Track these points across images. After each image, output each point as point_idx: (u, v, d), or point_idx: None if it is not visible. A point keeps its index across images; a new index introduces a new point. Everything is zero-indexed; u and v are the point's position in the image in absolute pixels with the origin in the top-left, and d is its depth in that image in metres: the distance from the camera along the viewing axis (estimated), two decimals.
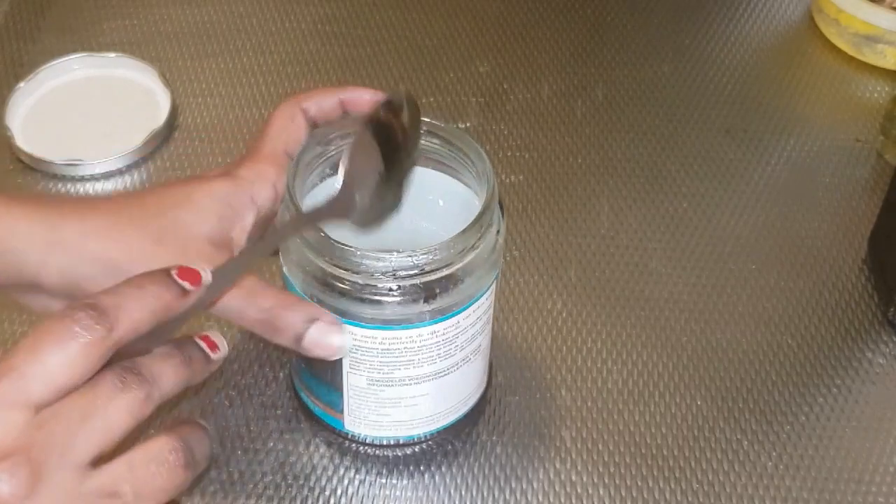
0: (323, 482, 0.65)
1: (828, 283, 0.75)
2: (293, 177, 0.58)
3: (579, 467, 0.66)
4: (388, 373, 0.60)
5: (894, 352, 0.72)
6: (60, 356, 0.42)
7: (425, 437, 0.65)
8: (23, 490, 0.41)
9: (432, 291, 0.56)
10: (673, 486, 0.65)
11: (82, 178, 0.80)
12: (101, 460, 0.44)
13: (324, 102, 0.63)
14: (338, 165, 0.59)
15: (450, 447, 0.66)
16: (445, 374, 0.61)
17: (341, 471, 0.65)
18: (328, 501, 0.64)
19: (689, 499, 0.64)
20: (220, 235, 0.57)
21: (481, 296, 0.59)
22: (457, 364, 0.61)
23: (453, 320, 0.58)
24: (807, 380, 0.70)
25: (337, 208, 0.57)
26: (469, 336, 0.60)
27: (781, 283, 0.75)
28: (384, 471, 0.65)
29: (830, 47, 0.92)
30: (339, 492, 0.64)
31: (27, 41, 0.90)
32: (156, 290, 0.45)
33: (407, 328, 0.57)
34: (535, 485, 0.65)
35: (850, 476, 0.66)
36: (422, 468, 0.65)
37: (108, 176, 0.80)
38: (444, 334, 0.58)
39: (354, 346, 0.58)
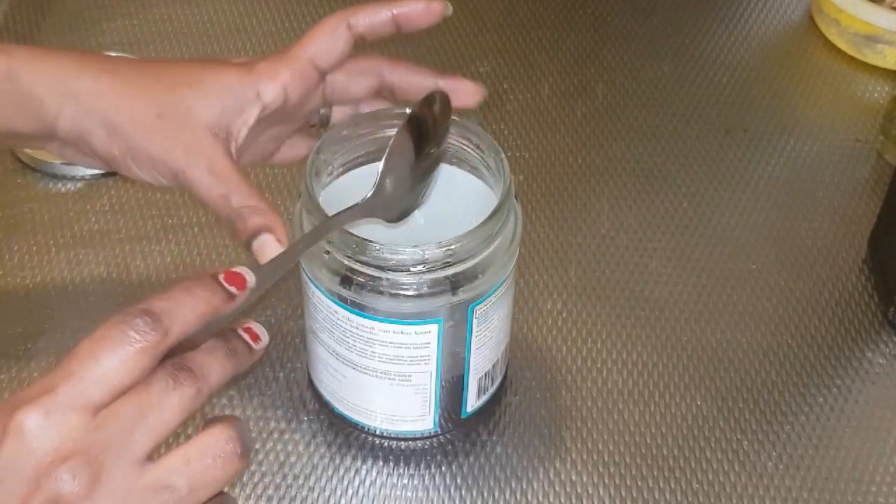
0: (323, 482, 0.65)
1: (828, 283, 0.75)
2: (311, 174, 0.58)
3: (579, 467, 0.66)
4: (404, 364, 0.60)
5: (894, 352, 0.72)
6: (116, 360, 0.44)
7: (437, 431, 0.65)
8: (84, 490, 0.42)
9: (454, 283, 0.57)
10: (673, 486, 0.65)
11: (82, 178, 0.80)
12: (155, 454, 0.45)
13: (374, 17, 0.62)
14: (360, 157, 0.61)
15: (450, 447, 0.66)
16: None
17: (341, 471, 0.65)
18: (328, 501, 0.64)
19: (689, 499, 0.64)
20: (220, 124, 0.59)
21: (499, 286, 0.59)
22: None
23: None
24: (807, 380, 0.70)
25: (372, 207, 0.58)
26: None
27: (781, 283, 0.75)
28: (384, 471, 0.65)
29: (830, 47, 0.92)
30: (338, 492, 0.64)
31: (27, 41, 0.90)
32: (205, 294, 0.47)
33: (425, 323, 0.58)
34: (535, 485, 0.65)
35: (850, 476, 0.66)
36: (422, 468, 0.65)
37: (108, 176, 0.80)
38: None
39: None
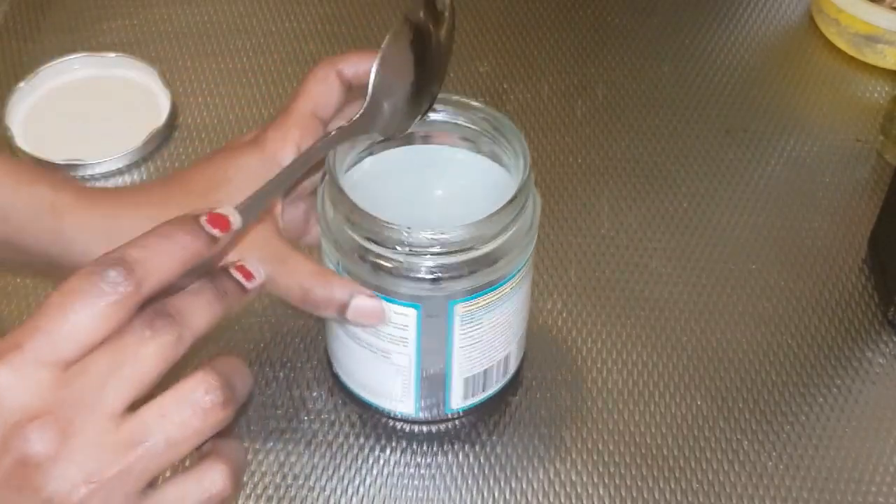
0: (323, 482, 0.65)
1: (828, 283, 0.75)
2: (334, 158, 0.58)
3: (579, 467, 0.66)
4: (383, 340, 0.60)
5: (894, 352, 0.72)
6: (87, 314, 0.42)
7: (461, 412, 0.66)
8: (53, 450, 0.41)
9: (470, 268, 0.57)
10: (673, 486, 0.65)
11: (82, 178, 0.80)
12: (136, 405, 0.43)
13: (360, 65, 0.62)
14: (380, 142, 0.61)
15: (450, 447, 0.66)
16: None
17: (341, 470, 0.65)
18: (328, 501, 0.64)
19: (689, 499, 0.64)
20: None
21: (517, 272, 0.60)
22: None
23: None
24: (807, 380, 0.70)
25: (363, 123, 0.57)
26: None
27: (781, 283, 0.75)
28: (384, 471, 0.65)
29: (830, 47, 0.92)
30: (338, 492, 0.64)
31: (27, 41, 0.90)
32: (185, 238, 0.44)
33: (403, 305, 0.58)
34: (535, 485, 0.65)
35: (850, 476, 0.66)
36: (422, 469, 0.65)
37: (107, 176, 0.80)
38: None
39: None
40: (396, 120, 0.60)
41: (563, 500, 0.64)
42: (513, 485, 0.65)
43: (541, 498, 0.64)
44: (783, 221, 0.79)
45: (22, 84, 0.84)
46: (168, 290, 0.44)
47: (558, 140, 0.84)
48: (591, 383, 0.70)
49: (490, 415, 0.67)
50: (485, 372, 0.64)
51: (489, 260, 0.58)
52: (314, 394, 0.68)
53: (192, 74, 0.88)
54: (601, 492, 0.65)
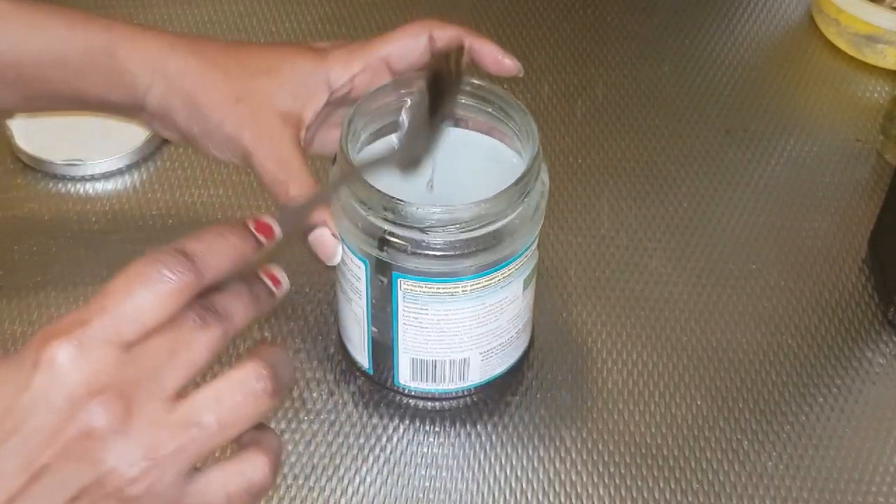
0: (323, 482, 0.65)
1: (828, 283, 0.75)
2: (346, 135, 0.60)
3: (579, 467, 0.66)
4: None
5: (894, 352, 0.72)
6: (151, 298, 0.44)
7: (470, 389, 0.66)
8: (116, 423, 0.42)
9: (476, 247, 0.58)
10: (673, 486, 0.65)
11: (82, 178, 0.80)
12: (184, 392, 0.45)
13: (454, 38, 0.65)
14: (389, 125, 0.63)
15: (449, 447, 0.66)
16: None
17: (341, 470, 0.65)
18: (328, 501, 0.64)
19: (689, 499, 0.64)
20: (292, 111, 0.64)
21: (523, 252, 0.60)
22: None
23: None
24: (807, 380, 0.70)
25: (391, 160, 0.60)
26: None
27: (781, 283, 0.75)
28: (384, 470, 0.65)
29: (830, 47, 0.92)
30: (338, 492, 0.64)
31: None
32: (237, 241, 0.47)
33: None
34: (535, 485, 0.65)
35: (850, 476, 0.66)
36: (422, 470, 0.65)
37: (108, 176, 0.80)
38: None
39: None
40: (417, 152, 0.61)
41: (563, 500, 0.64)
42: (513, 484, 0.65)
43: (541, 498, 0.64)
44: (783, 221, 0.79)
45: None
46: (214, 289, 0.46)
47: (558, 140, 0.84)
48: (591, 383, 0.70)
49: (490, 415, 0.67)
50: (434, 363, 0.64)
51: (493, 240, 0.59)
52: (314, 393, 0.68)
53: None
54: (601, 492, 0.65)
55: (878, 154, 0.84)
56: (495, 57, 0.66)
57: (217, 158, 0.65)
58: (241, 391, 0.45)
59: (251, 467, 0.46)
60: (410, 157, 0.60)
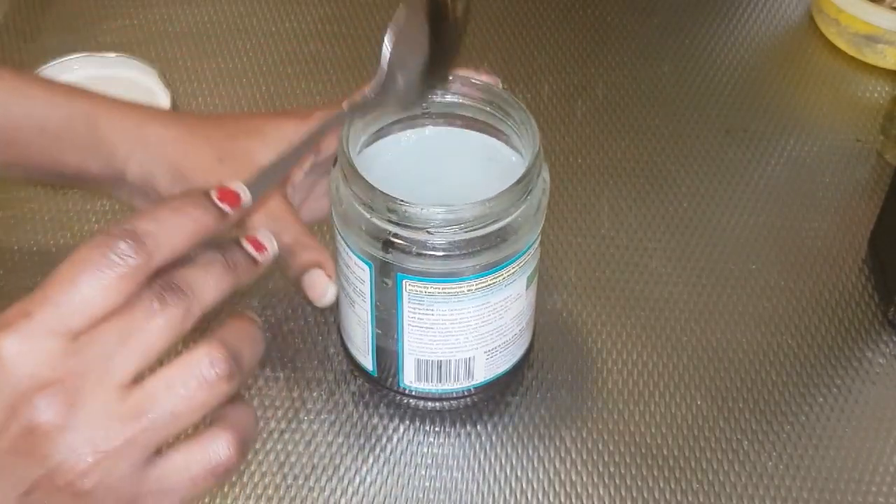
0: (323, 482, 0.65)
1: (828, 283, 0.75)
2: (346, 136, 0.59)
3: (579, 467, 0.66)
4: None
5: (894, 352, 0.72)
6: (96, 286, 0.42)
7: (473, 389, 0.66)
8: (61, 419, 0.41)
9: (479, 246, 0.58)
10: (673, 486, 0.65)
11: None
12: (142, 376, 0.43)
13: None
14: (389, 125, 0.63)
15: (449, 447, 0.66)
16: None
17: (341, 470, 0.65)
18: (328, 501, 0.64)
19: (689, 499, 0.64)
20: None
21: (526, 251, 0.60)
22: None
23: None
24: (807, 380, 0.70)
25: (377, 95, 0.59)
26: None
27: (781, 283, 0.75)
28: (384, 470, 0.65)
29: (830, 47, 0.92)
30: (338, 492, 0.64)
31: (27, 41, 0.90)
32: (195, 213, 0.45)
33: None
34: (535, 485, 0.65)
35: (850, 476, 0.66)
36: (421, 470, 0.65)
37: None
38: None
39: (339, 248, 0.61)
40: (411, 93, 0.60)
41: (563, 500, 0.64)
42: (513, 484, 0.65)
43: (541, 497, 0.64)
44: (783, 221, 0.79)
45: None
46: (179, 262, 0.44)
47: (558, 140, 0.84)
48: (591, 383, 0.70)
49: (490, 415, 0.67)
50: (439, 363, 0.64)
51: (497, 238, 0.59)
52: (314, 394, 0.68)
53: (192, 74, 0.88)
54: (601, 492, 0.65)
55: (878, 154, 0.84)
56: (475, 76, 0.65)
57: None
58: (193, 377, 0.43)
59: (213, 447, 0.44)
60: (404, 93, 0.58)
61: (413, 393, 0.66)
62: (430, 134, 0.65)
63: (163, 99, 0.84)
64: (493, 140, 0.64)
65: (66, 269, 0.42)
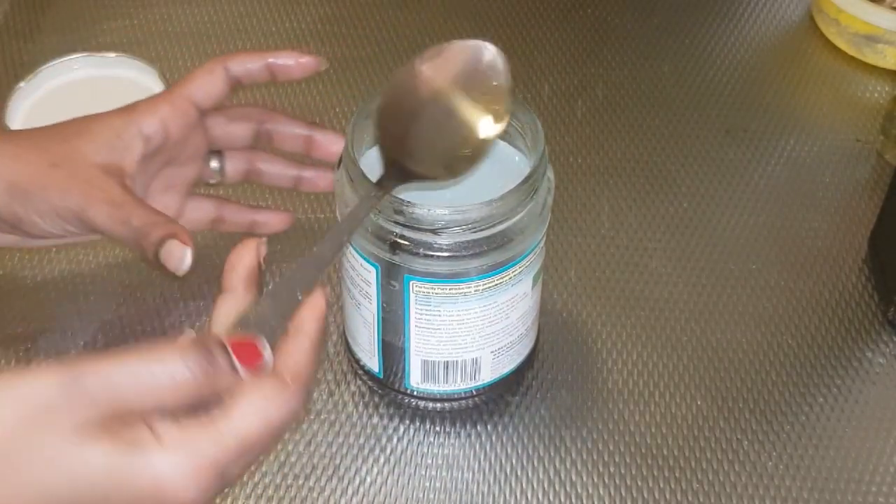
0: (323, 482, 0.65)
1: (828, 283, 0.75)
2: (351, 141, 0.59)
3: (579, 467, 0.66)
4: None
5: (894, 352, 0.72)
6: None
7: (478, 390, 0.66)
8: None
9: (486, 246, 0.58)
10: (673, 486, 0.65)
11: None
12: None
13: (250, 63, 0.68)
14: None
15: (449, 448, 0.66)
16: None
17: (342, 470, 0.65)
18: (328, 501, 0.64)
19: (689, 499, 0.64)
20: (111, 163, 0.63)
21: (532, 250, 0.60)
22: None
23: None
24: (807, 380, 0.70)
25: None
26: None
27: (781, 282, 0.75)
28: (384, 470, 0.65)
29: (830, 47, 0.92)
30: (339, 492, 0.64)
31: (27, 41, 0.90)
32: (196, 378, 0.44)
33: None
34: (535, 484, 0.65)
35: (850, 476, 0.66)
36: (421, 470, 0.65)
37: None
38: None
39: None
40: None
41: (563, 500, 0.64)
42: (513, 484, 0.65)
43: (541, 497, 0.64)
44: (783, 221, 0.79)
45: (22, 84, 0.84)
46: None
47: (558, 140, 0.84)
48: (591, 383, 0.70)
49: (490, 415, 0.67)
50: (446, 364, 0.64)
51: (503, 239, 0.59)
52: (314, 393, 0.68)
53: None
54: (601, 492, 0.65)
55: (878, 154, 0.84)
56: (295, 60, 0.67)
57: (53, 237, 0.64)
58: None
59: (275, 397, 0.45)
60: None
61: (418, 394, 0.66)
62: None
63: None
64: (497, 140, 0.64)
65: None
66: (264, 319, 0.47)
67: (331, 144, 0.70)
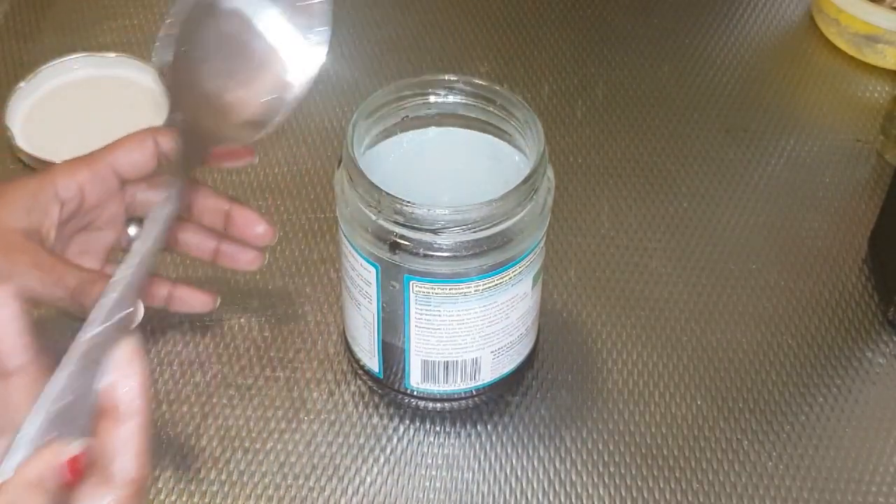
0: (323, 482, 0.65)
1: (828, 283, 0.75)
2: (352, 139, 0.60)
3: (579, 467, 0.66)
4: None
5: (894, 352, 0.72)
6: None
7: (476, 390, 0.66)
8: None
9: (486, 246, 0.58)
10: (673, 486, 0.65)
11: None
12: None
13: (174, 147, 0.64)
14: (391, 127, 0.64)
15: (449, 448, 0.66)
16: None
17: (341, 470, 0.65)
18: (328, 501, 0.64)
19: (689, 499, 0.64)
20: (29, 227, 0.62)
21: (532, 250, 0.60)
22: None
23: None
24: (807, 380, 0.70)
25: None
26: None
27: (781, 283, 0.75)
28: (384, 471, 0.65)
29: (830, 47, 0.92)
30: (338, 492, 0.64)
31: (27, 41, 0.90)
32: None
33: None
34: (535, 484, 0.65)
35: (850, 476, 0.66)
36: (421, 470, 0.65)
37: None
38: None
39: (342, 250, 0.61)
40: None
41: (562, 500, 0.64)
42: (513, 484, 0.65)
43: (541, 497, 0.64)
44: (783, 221, 0.79)
45: (22, 84, 0.84)
46: None
47: (559, 140, 0.84)
48: (591, 383, 0.70)
49: (490, 415, 0.67)
50: (446, 364, 0.64)
51: (502, 240, 0.59)
52: (314, 394, 0.68)
53: None
54: (601, 492, 0.65)
55: (878, 154, 0.84)
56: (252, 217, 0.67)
57: None
58: None
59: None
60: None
61: (418, 394, 0.66)
62: (434, 135, 0.65)
63: (163, 99, 0.84)
64: (497, 140, 0.64)
65: None
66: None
67: (248, 224, 0.67)
